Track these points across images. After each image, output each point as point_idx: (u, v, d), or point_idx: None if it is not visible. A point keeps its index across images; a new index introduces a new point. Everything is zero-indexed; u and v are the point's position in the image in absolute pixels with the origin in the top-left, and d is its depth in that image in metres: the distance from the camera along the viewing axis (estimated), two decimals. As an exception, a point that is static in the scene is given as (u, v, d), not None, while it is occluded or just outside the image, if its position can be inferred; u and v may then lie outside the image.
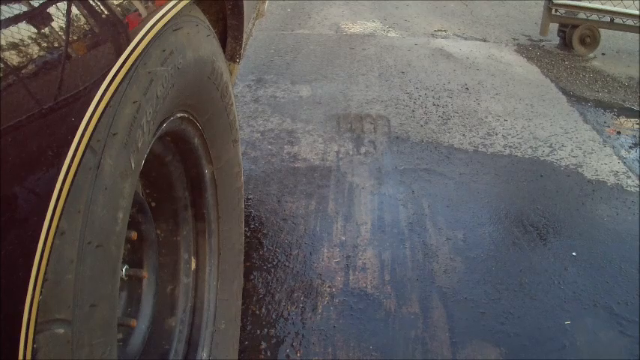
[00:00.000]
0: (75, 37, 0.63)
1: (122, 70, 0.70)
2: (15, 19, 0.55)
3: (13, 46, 0.54)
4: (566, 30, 4.34)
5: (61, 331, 0.59)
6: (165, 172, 1.11)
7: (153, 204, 1.13)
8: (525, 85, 3.59)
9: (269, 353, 1.54)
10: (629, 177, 2.55)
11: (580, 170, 2.58)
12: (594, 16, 4.18)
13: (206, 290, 1.22)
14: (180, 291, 1.18)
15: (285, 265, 1.87)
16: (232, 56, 1.49)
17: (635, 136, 2.99)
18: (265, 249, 1.94)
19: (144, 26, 0.77)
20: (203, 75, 1.04)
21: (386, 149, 2.66)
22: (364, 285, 1.80)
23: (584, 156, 2.71)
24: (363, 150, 2.64)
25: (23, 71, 0.54)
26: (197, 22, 1.00)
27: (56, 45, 0.59)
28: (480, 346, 1.59)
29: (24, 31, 0.55)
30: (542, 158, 2.67)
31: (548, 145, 2.80)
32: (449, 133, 2.86)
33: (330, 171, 2.44)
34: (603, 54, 4.37)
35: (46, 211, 0.56)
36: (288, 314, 1.67)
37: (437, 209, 2.21)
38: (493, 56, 4.13)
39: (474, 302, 1.76)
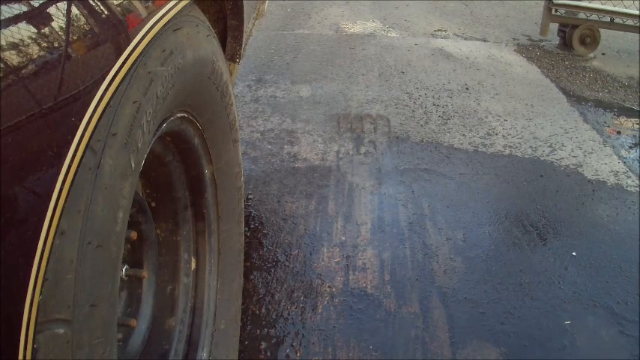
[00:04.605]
0: (75, 37, 0.63)
1: (122, 70, 0.70)
2: (15, 19, 0.55)
3: (13, 46, 0.54)
4: (566, 30, 4.34)
5: (61, 331, 0.59)
6: (165, 172, 1.11)
7: (153, 204, 1.13)
8: (525, 85, 3.59)
9: (269, 353, 1.54)
10: (629, 177, 2.55)
11: (580, 170, 2.58)
12: (594, 16, 4.18)
13: (206, 290, 1.22)
14: (180, 291, 1.18)
15: (285, 265, 1.87)
16: (232, 56, 1.49)
17: (635, 136, 2.99)
18: (265, 249, 1.94)
19: (144, 26, 0.77)
20: (203, 75, 1.04)
21: (386, 149, 2.66)
22: (364, 285, 1.80)
23: (584, 156, 2.71)
24: (363, 150, 2.64)
25: (23, 71, 0.54)
26: (197, 22, 1.00)
27: (56, 45, 0.59)
28: (480, 346, 1.59)
29: (24, 31, 0.55)
30: (542, 158, 2.67)
31: (548, 145, 2.80)
32: (449, 133, 2.86)
33: (330, 171, 2.44)
34: (603, 54, 4.37)
35: (46, 211, 0.56)
36: (288, 314, 1.67)
37: (437, 209, 2.21)
38: (493, 56, 4.13)
39: (474, 302, 1.76)
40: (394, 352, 1.56)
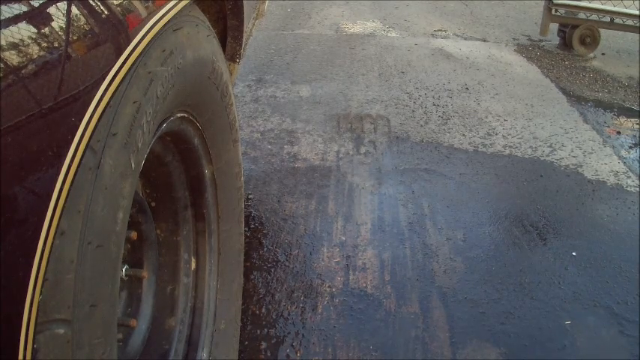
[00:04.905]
0: (75, 37, 0.63)
1: (122, 70, 0.70)
2: (15, 19, 0.55)
3: (13, 46, 0.54)
4: (566, 30, 4.34)
5: (61, 331, 0.59)
6: (165, 172, 1.11)
7: (153, 204, 1.13)
8: (525, 85, 3.59)
9: (269, 353, 1.54)
10: (629, 177, 2.55)
11: (580, 170, 2.58)
12: (594, 16, 4.18)
13: (206, 290, 1.22)
14: (180, 291, 1.18)
15: (285, 265, 1.87)
16: (232, 56, 1.49)
17: (635, 136, 2.99)
18: (265, 249, 1.94)
19: (144, 26, 0.77)
20: (203, 75, 1.04)
21: (386, 149, 2.66)
22: (364, 285, 1.80)
23: (584, 156, 2.71)
24: (363, 150, 2.64)
25: (23, 71, 0.54)
26: (197, 22, 1.00)
27: (56, 45, 0.59)
28: (480, 346, 1.59)
29: (24, 31, 0.55)
30: (542, 158, 2.67)
31: (548, 145, 2.80)
32: (449, 133, 2.86)
33: (330, 171, 2.44)
34: (603, 54, 4.37)
35: (46, 211, 0.56)
36: (288, 314, 1.67)
37: (437, 209, 2.21)
38: (493, 56, 4.13)
39: (474, 302, 1.75)
40: (394, 352, 1.56)
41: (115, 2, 0.72)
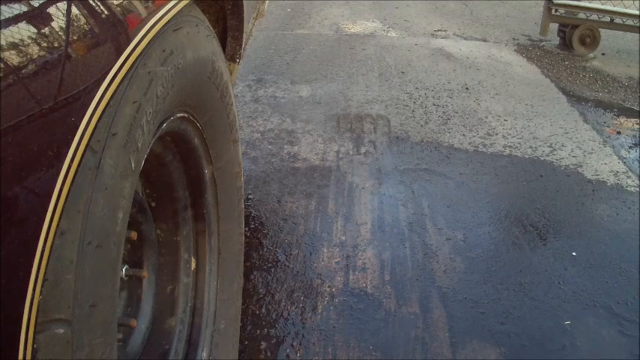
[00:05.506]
0: (75, 37, 0.63)
1: (122, 70, 0.70)
2: (15, 19, 0.55)
3: (13, 46, 0.54)
4: (566, 30, 4.34)
5: (61, 331, 0.59)
6: (165, 172, 1.11)
7: (153, 204, 1.13)
8: (525, 85, 3.59)
9: (269, 353, 1.54)
10: (629, 177, 2.55)
11: (580, 170, 2.58)
12: (594, 16, 4.18)
13: (206, 290, 1.22)
14: (180, 291, 1.18)
15: (285, 265, 1.87)
16: (232, 56, 1.49)
17: (635, 136, 2.99)
18: (265, 249, 1.94)
19: (144, 26, 0.77)
20: (203, 75, 1.04)
21: (386, 149, 2.66)
22: (364, 285, 1.80)
23: (584, 156, 2.71)
24: (363, 150, 2.64)
25: (23, 71, 0.54)
26: (197, 22, 1.00)
27: (56, 45, 0.59)
28: (480, 346, 1.59)
29: (24, 31, 0.55)
30: (542, 158, 2.67)
31: (548, 145, 2.80)
32: (449, 133, 2.86)
33: (330, 171, 2.44)
34: (603, 54, 4.37)
35: (46, 211, 0.56)
36: (288, 314, 1.67)
37: (437, 209, 2.21)
38: (493, 56, 4.13)
39: (474, 302, 1.76)
40: (394, 352, 1.56)
41: (115, 2, 0.72)
